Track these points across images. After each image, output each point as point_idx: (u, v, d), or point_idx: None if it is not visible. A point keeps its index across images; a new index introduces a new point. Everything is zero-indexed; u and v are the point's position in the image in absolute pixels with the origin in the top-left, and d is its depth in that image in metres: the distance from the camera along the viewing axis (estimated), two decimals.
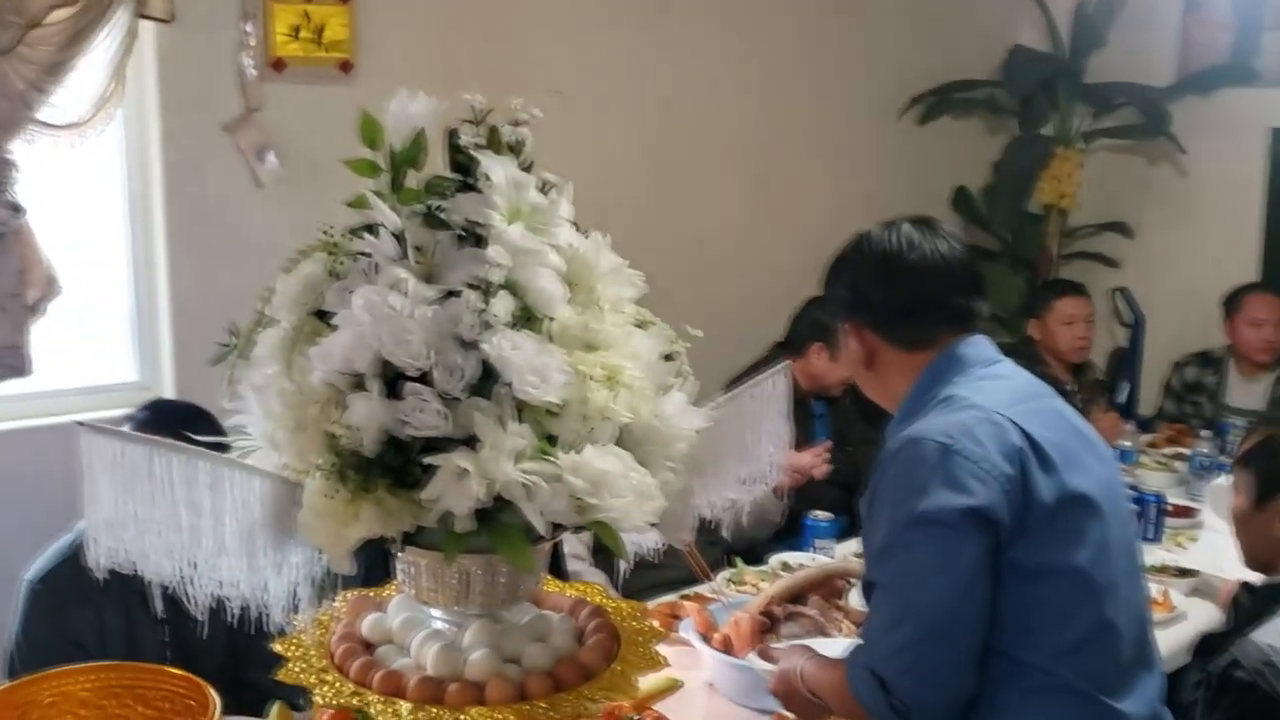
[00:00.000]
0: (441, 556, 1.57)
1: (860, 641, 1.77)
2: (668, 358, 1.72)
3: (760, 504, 3.27)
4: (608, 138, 4.20)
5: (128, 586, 2.24)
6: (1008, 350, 4.32)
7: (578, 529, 1.59)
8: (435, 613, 1.68)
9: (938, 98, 5.05)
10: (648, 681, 2.03)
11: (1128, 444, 3.56)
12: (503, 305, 1.46)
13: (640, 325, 1.71)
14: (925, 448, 1.68)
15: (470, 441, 1.44)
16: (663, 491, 1.61)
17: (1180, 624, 2.60)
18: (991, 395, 1.74)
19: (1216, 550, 2.92)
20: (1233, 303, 4.28)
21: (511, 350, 1.44)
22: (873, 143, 5.01)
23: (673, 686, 1.98)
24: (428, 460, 1.42)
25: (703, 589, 2.56)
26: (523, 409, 1.47)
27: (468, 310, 1.44)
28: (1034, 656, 1.68)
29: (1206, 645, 2.05)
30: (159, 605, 2.26)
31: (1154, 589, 2.68)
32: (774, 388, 1.87)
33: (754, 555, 2.98)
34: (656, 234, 4.30)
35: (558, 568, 2.74)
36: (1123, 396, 4.75)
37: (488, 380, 1.45)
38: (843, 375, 3.63)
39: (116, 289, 3.43)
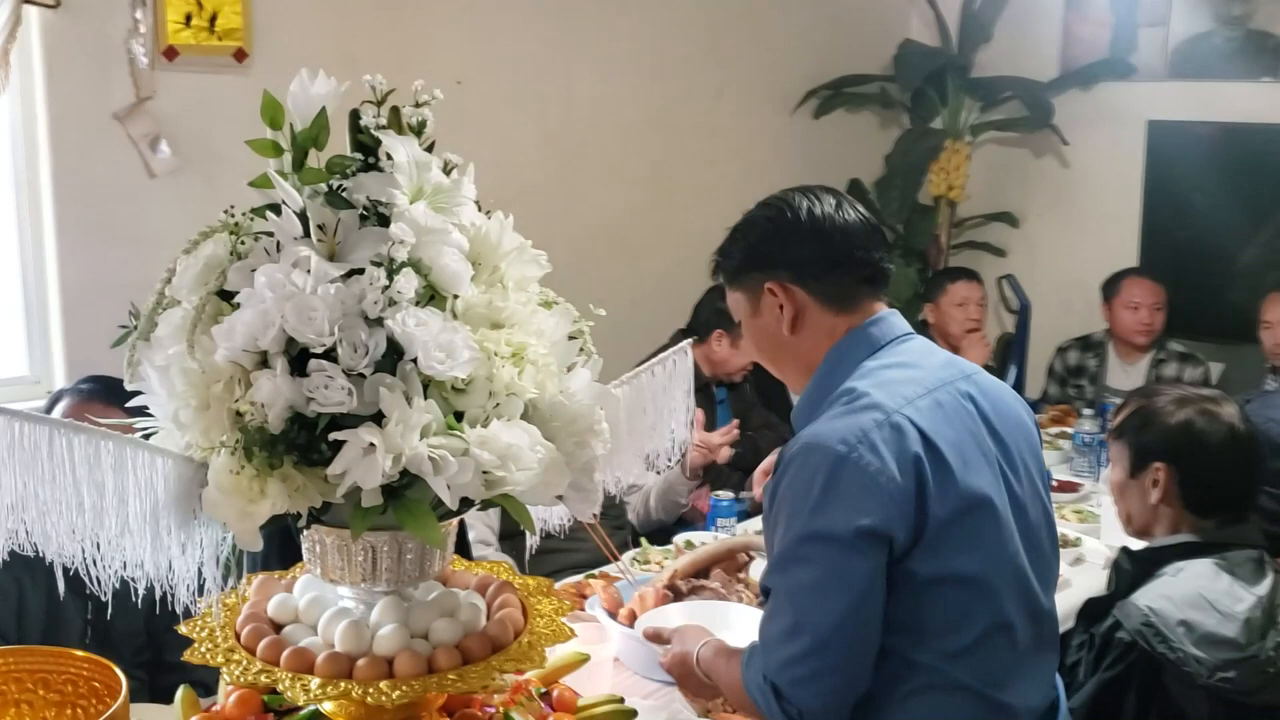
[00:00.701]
0: (348, 534, 1.59)
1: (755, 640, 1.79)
2: (572, 338, 1.75)
3: (669, 483, 3.33)
4: (508, 127, 4.21)
5: (51, 570, 2.22)
6: None
7: (484, 506, 1.62)
8: (343, 591, 1.69)
9: (832, 91, 5.15)
10: (555, 657, 2.06)
11: None
12: (407, 282, 1.48)
13: (545, 305, 1.74)
14: (822, 456, 1.65)
15: (377, 418, 1.45)
16: (570, 467, 1.64)
17: (1064, 590, 2.70)
18: (895, 389, 1.70)
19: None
20: (1111, 287, 4.44)
21: (417, 327, 1.46)
22: (769, 135, 5.09)
23: (580, 661, 2.01)
24: (334, 436, 1.43)
25: (609, 569, 2.60)
26: (429, 386, 1.49)
27: (372, 287, 1.45)
28: (925, 657, 1.69)
29: (1090, 608, 2.15)
30: (61, 587, 2.24)
31: None
32: (676, 366, 1.91)
33: (659, 538, 3.03)
34: (558, 223, 4.33)
35: (464, 554, 2.76)
36: (1010, 380, 4.90)
37: (394, 357, 1.47)
38: (744, 362, 3.70)
39: (5, 282, 3.35)
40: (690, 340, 2.01)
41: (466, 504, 1.60)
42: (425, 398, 1.48)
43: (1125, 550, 2.13)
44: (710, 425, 3.79)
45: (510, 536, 3.01)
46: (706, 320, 3.74)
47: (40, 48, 3.24)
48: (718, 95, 4.84)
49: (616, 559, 2.52)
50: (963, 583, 1.66)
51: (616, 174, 4.51)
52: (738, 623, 2.20)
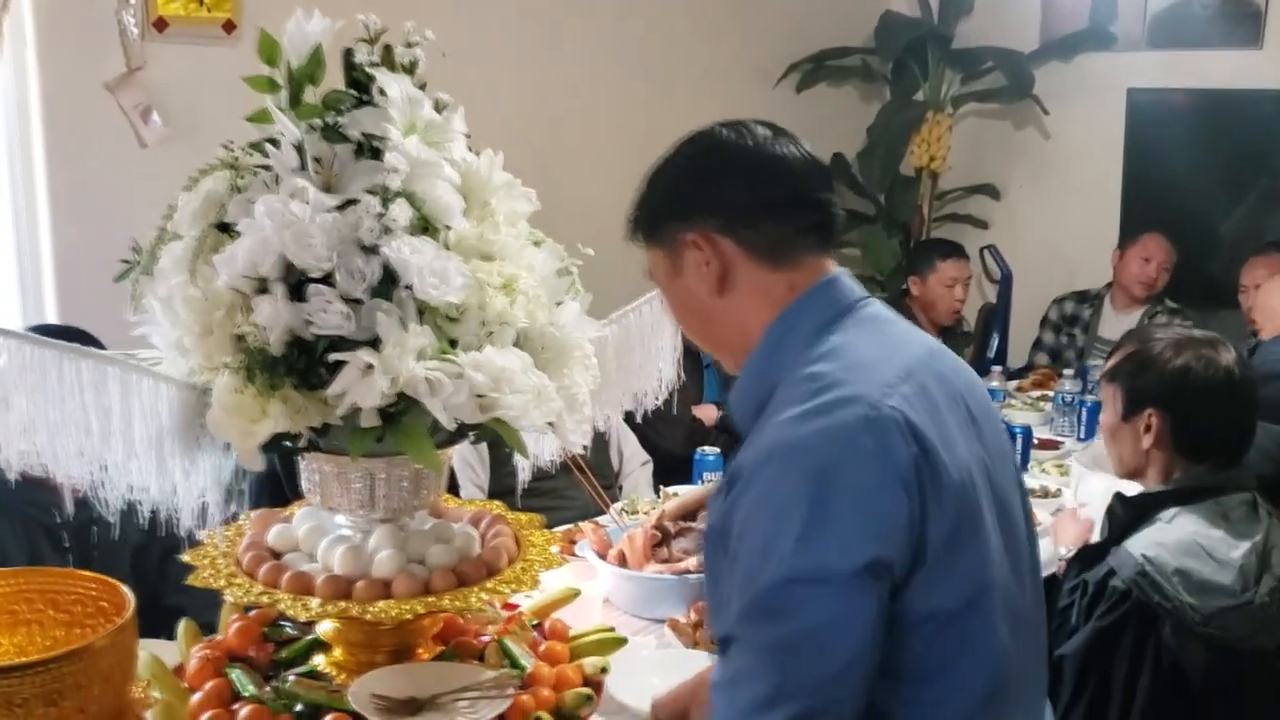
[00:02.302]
0: (347, 462, 1.64)
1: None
2: (562, 275, 1.81)
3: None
4: (492, 102, 4.24)
5: (32, 518, 2.27)
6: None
7: (478, 438, 1.67)
8: (341, 520, 1.74)
9: (813, 65, 5.20)
10: (548, 592, 2.11)
11: (995, 385, 3.74)
12: (401, 211, 1.53)
13: (535, 244, 1.79)
14: (803, 470, 1.26)
15: (374, 343, 1.51)
16: (562, 396, 1.70)
17: (1045, 537, 2.76)
18: (873, 373, 1.32)
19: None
20: (1130, 238, 4.54)
21: (412, 254, 1.51)
22: (751, 110, 5.01)
23: (571, 595, 2.06)
24: (333, 358, 1.48)
25: (600, 519, 2.65)
26: (424, 313, 1.55)
27: (367, 215, 1.50)
28: (904, 711, 1.34)
29: (1084, 554, 2.15)
30: (64, 534, 2.29)
31: None
32: (660, 308, 1.97)
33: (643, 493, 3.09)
34: (547, 200, 4.35)
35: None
36: (993, 350, 4.96)
37: (390, 284, 1.52)
38: None
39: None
40: None
41: (462, 433, 1.66)
42: (421, 324, 1.54)
43: (1119, 496, 2.14)
44: (699, 386, 3.84)
45: (501, 495, 3.05)
46: None
47: (32, 19, 3.26)
48: (702, 73, 4.88)
49: (607, 507, 2.57)
50: (954, 619, 1.32)
51: (599, 151, 4.54)
52: None
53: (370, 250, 1.51)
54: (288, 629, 1.87)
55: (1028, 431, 3.33)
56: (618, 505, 2.78)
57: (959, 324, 4.47)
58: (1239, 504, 2.02)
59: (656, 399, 2.02)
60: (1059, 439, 3.58)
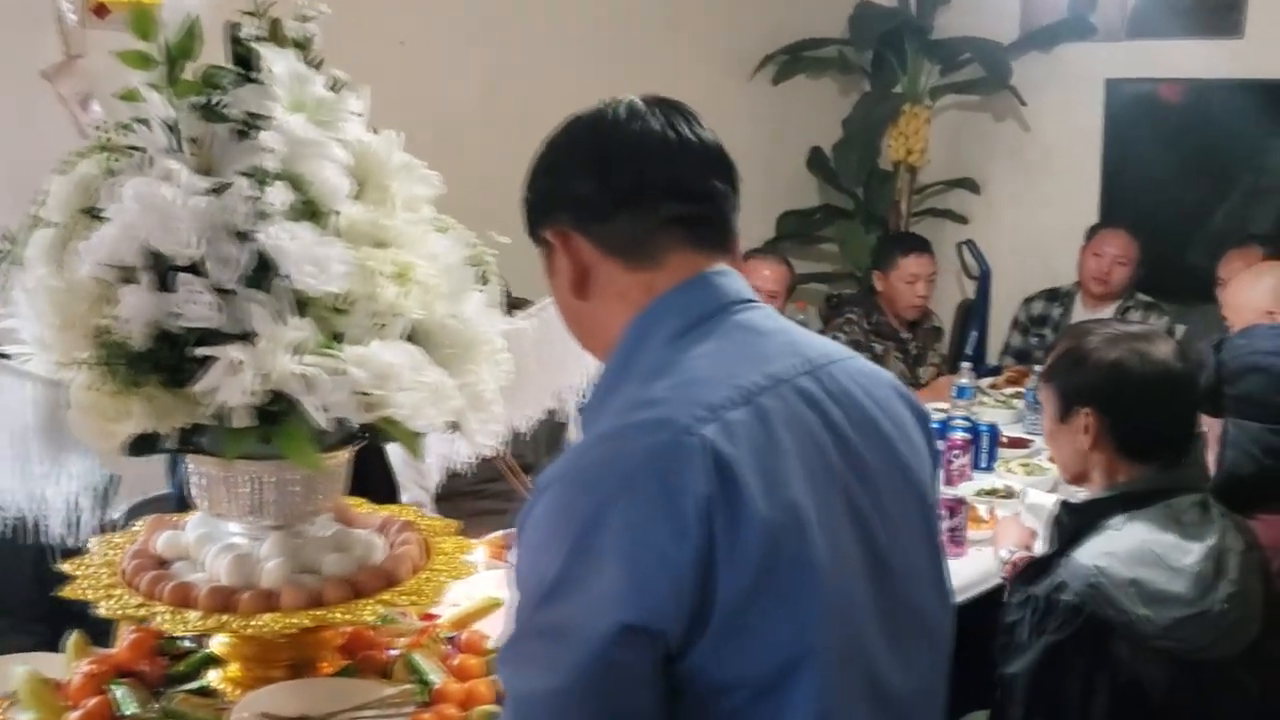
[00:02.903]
0: (232, 465, 1.53)
1: None
2: (474, 264, 1.70)
3: None
4: (453, 92, 4.14)
5: None
6: (847, 300, 4.38)
7: (371, 437, 1.56)
8: (233, 528, 1.64)
9: (790, 56, 5.09)
10: (470, 602, 2.01)
11: (965, 382, 3.62)
12: (279, 195, 1.42)
13: (441, 230, 1.69)
14: (571, 508, 1.09)
15: (249, 337, 1.40)
16: (466, 393, 1.59)
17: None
18: (699, 393, 1.13)
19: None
20: (1090, 233, 4.45)
21: (289, 240, 1.40)
22: (727, 103, 5.02)
23: (493, 605, 1.96)
24: (201, 353, 1.38)
25: None
26: (306, 305, 1.44)
27: (240, 199, 1.40)
28: None
29: (1031, 567, 2.03)
30: None
31: (981, 508, 2.75)
32: None
33: None
34: (504, 192, 4.24)
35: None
36: (970, 347, 4.86)
37: (265, 273, 1.42)
38: None
39: None
40: None
41: (358, 434, 1.56)
42: (303, 316, 1.43)
43: (1065, 504, 2.03)
44: None
45: (449, 498, 2.95)
46: None
47: None
48: (673, 63, 4.77)
49: None
50: (767, 689, 1.11)
51: None
52: None
53: (244, 236, 1.41)
54: (184, 642, 1.76)
55: (994, 430, 3.23)
56: None
57: (925, 319, 4.35)
58: (1190, 506, 1.91)
59: (582, 396, 1.91)
60: (1029, 437, 3.47)
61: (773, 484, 1.10)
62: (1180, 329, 4.33)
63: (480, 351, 1.62)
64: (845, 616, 1.15)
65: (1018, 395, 3.87)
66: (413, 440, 1.50)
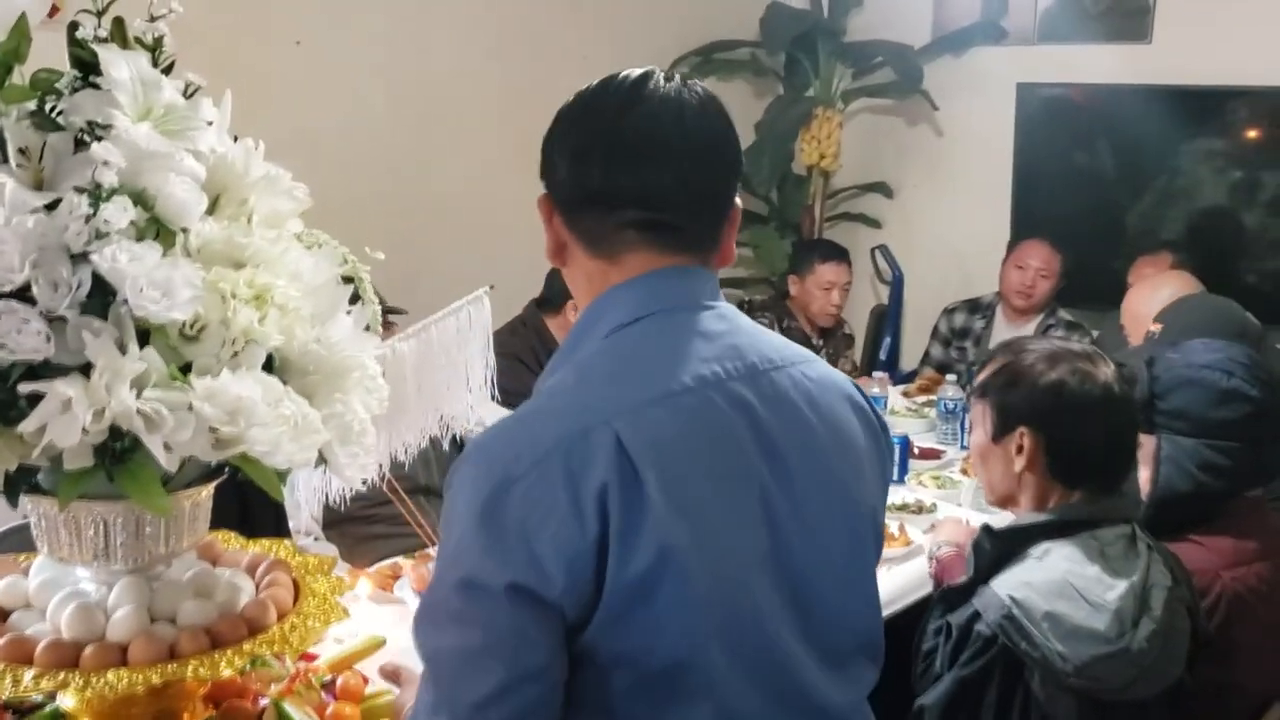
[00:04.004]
0: (75, 505, 1.39)
1: None
2: (347, 280, 1.58)
3: None
4: (356, 94, 4.00)
5: None
6: (759, 305, 4.30)
7: (228, 470, 1.43)
8: (81, 573, 1.50)
9: (701, 58, 5.01)
10: (351, 642, 1.88)
11: (876, 390, 3.56)
12: (118, 211, 1.29)
13: (311, 245, 1.56)
14: (483, 475, 1.15)
15: (86, 369, 1.27)
16: (332, 425, 1.47)
17: (917, 559, 2.59)
18: (620, 388, 1.19)
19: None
20: (1011, 245, 4.39)
21: (129, 262, 1.27)
22: None
23: (375, 645, 1.83)
24: (29, 389, 1.24)
25: (431, 551, 2.41)
26: (151, 333, 1.31)
27: (73, 216, 1.26)
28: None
29: (948, 595, 1.94)
30: None
31: (893, 526, 2.68)
32: (472, 318, 1.75)
33: None
34: (414, 196, 4.13)
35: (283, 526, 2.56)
36: (884, 352, 4.81)
37: (103, 298, 1.29)
38: None
39: None
40: (488, 288, 1.84)
41: (216, 472, 1.43)
42: (147, 345, 1.30)
43: (986, 529, 1.93)
44: None
45: (338, 524, 2.81)
46: (560, 289, 3.57)
47: None
48: (582, 61, 4.66)
49: (434, 541, 2.34)
50: (661, 675, 1.16)
51: (474, 142, 4.31)
52: None
53: (79, 258, 1.27)
54: (34, 696, 1.62)
55: (905, 441, 3.16)
56: None
57: (839, 327, 4.29)
58: (1116, 538, 1.83)
59: (468, 422, 1.80)
60: (940, 448, 3.41)
61: (674, 481, 1.15)
62: (1095, 334, 4.31)
63: (350, 379, 1.50)
64: (746, 621, 1.19)
65: (930, 404, 3.82)
66: (272, 479, 1.37)
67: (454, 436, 1.76)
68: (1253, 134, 4.46)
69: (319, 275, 1.51)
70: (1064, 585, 1.76)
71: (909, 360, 4.94)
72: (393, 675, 1.71)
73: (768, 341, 1.30)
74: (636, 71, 1.28)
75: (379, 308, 1.66)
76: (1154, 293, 2.94)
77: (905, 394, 4.07)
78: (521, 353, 3.39)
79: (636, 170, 1.23)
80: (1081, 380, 1.87)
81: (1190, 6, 4.42)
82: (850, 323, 4.57)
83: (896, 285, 4.99)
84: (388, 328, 2.97)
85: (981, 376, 2.00)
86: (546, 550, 1.11)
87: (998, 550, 1.86)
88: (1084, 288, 4.46)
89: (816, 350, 4.16)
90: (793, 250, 4.36)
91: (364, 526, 2.83)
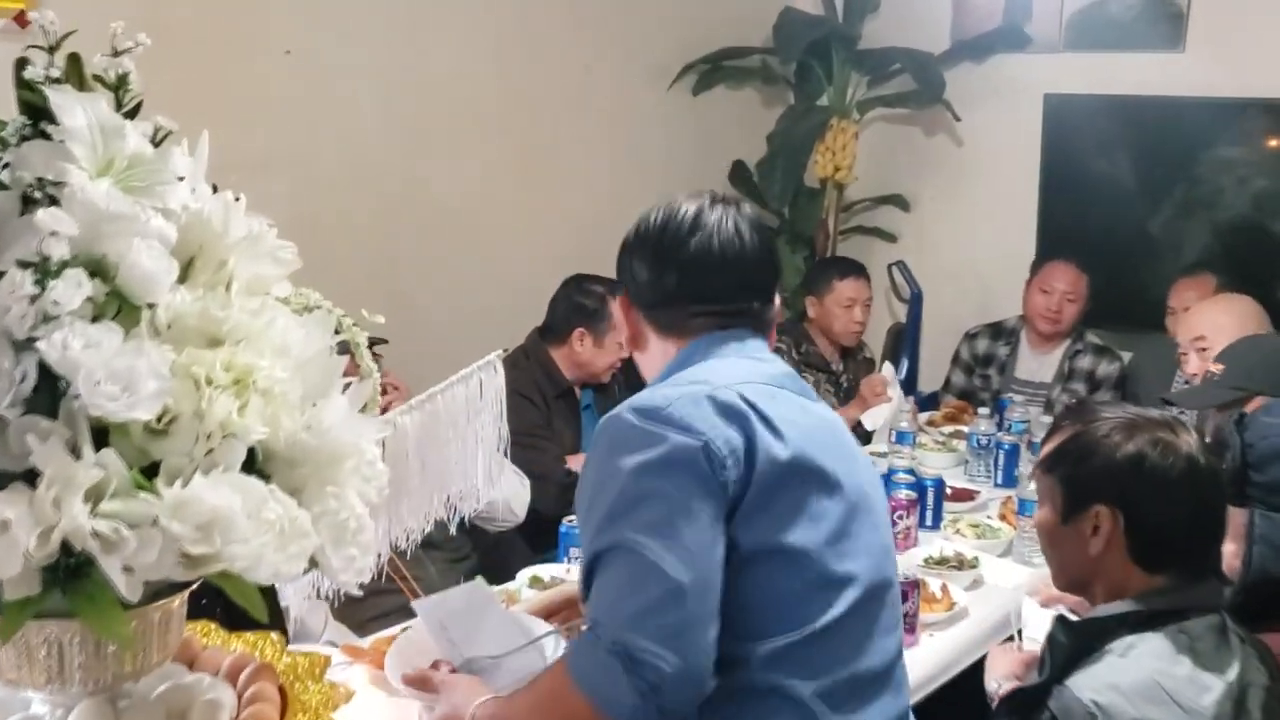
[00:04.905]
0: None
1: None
2: (345, 349, 1.38)
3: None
4: (349, 105, 3.79)
5: None
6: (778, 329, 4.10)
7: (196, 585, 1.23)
8: (35, 695, 1.29)
9: (710, 66, 4.81)
10: None
11: (905, 426, 3.37)
12: (70, 289, 1.08)
13: (301, 310, 1.36)
14: (632, 415, 1.51)
15: (31, 477, 1.06)
16: (325, 525, 1.26)
17: (961, 622, 2.39)
18: (725, 373, 1.57)
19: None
20: (1035, 267, 4.17)
21: (82, 349, 1.07)
22: (645, 114, 4.73)
23: None
24: None
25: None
26: (110, 430, 1.10)
27: (15, 296, 1.06)
28: (746, 652, 1.49)
29: (1020, 696, 1.73)
30: None
31: (933, 584, 2.48)
32: (484, 385, 1.55)
33: (504, 566, 2.64)
34: (408, 210, 3.92)
35: (276, 617, 2.34)
36: (902, 373, 4.61)
37: (54, 392, 1.08)
38: (610, 361, 3.35)
39: None
40: (501, 352, 1.64)
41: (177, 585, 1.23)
42: (106, 445, 1.10)
43: (1061, 620, 1.73)
44: (576, 433, 3.42)
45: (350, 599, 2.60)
46: (565, 317, 3.37)
47: None
48: (586, 70, 4.46)
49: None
50: (793, 559, 1.51)
51: (472, 155, 4.10)
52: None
53: (23, 345, 1.07)
54: None
55: (940, 484, 2.96)
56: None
57: (860, 350, 4.09)
58: (1207, 630, 1.63)
59: (478, 501, 1.59)
60: (974, 488, 3.21)
61: (790, 423, 1.54)
62: (1127, 358, 4.12)
63: (343, 468, 1.29)
64: (862, 544, 1.59)
65: (958, 435, 3.61)
66: (254, 597, 1.17)
67: (462, 520, 1.56)
68: None
69: (310, 347, 1.30)
70: (1153, 687, 1.56)
71: (927, 381, 4.74)
72: (419, 682, 1.68)
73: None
74: (693, 205, 1.68)
75: (379, 378, 1.46)
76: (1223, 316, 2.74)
77: (931, 423, 3.86)
78: (524, 387, 3.18)
79: (711, 277, 1.65)
80: (1164, 452, 1.66)
81: (1226, 14, 4.22)
82: (869, 347, 4.37)
83: (915, 303, 4.79)
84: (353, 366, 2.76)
85: (1047, 448, 1.79)
86: (710, 432, 1.50)
87: (1075, 645, 1.66)
88: (1114, 308, 4.27)
89: (837, 376, 3.96)
90: (806, 270, 4.15)
91: (375, 600, 2.63)
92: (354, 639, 2.39)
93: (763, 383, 1.57)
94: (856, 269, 4.00)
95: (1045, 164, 4.62)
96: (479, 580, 1.77)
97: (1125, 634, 1.63)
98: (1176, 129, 4.32)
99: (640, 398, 1.51)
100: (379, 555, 1.50)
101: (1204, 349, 2.93)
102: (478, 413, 1.54)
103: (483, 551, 2.77)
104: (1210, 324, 2.93)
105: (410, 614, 2.47)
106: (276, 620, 2.41)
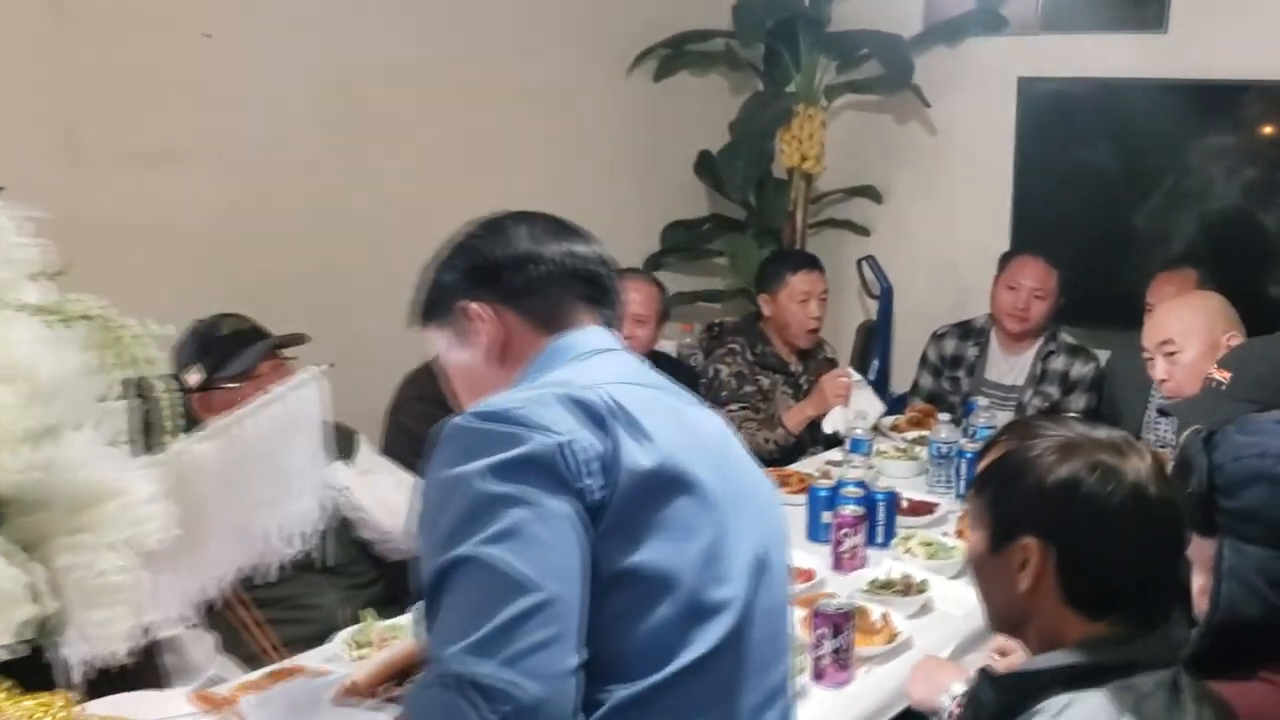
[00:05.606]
0: None
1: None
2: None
3: None
4: (276, 91, 3.55)
5: None
6: (729, 329, 3.87)
7: None
8: None
9: (671, 50, 4.58)
10: None
11: (859, 433, 3.13)
12: None
13: (66, 320, 1.13)
14: (476, 419, 1.27)
15: None
16: (73, 581, 1.05)
17: (904, 655, 2.17)
18: (590, 373, 1.37)
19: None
20: (1002, 263, 3.94)
21: None
22: (601, 102, 4.50)
23: None
24: None
25: (311, 658, 1.99)
26: None
27: None
28: (603, 697, 1.25)
29: None
30: None
31: (875, 611, 2.26)
32: (299, 406, 1.32)
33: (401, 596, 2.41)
34: (342, 203, 3.69)
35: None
36: (873, 373, 4.38)
37: None
38: None
39: None
40: (326, 366, 1.41)
41: None
42: None
43: (985, 674, 1.49)
44: None
45: (232, 607, 2.39)
46: None
47: None
48: (538, 54, 4.23)
49: (276, 655, 1.91)
50: (657, 581, 1.29)
51: (409, 145, 3.86)
52: None
53: None
54: None
55: (892, 497, 2.74)
56: (345, 634, 2.12)
57: (820, 349, 3.86)
58: (1157, 687, 1.38)
59: (305, 533, 1.37)
60: (932, 500, 2.98)
61: (660, 429, 1.33)
62: (1103, 356, 3.89)
63: (101, 512, 1.07)
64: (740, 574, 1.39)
65: (921, 441, 3.38)
66: None
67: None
68: (1274, 132, 4.04)
69: (61, 364, 1.08)
70: None
71: (899, 381, 4.51)
72: None
73: None
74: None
75: (177, 399, 1.23)
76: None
77: (895, 428, 3.63)
78: (443, 396, 2.94)
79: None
80: (1103, 477, 1.41)
81: None
82: (835, 343, 4.14)
83: (885, 299, 4.57)
84: (279, 366, 2.54)
85: (980, 466, 1.56)
86: (560, 435, 1.27)
87: (1001, 703, 1.42)
88: (1091, 305, 4.04)
89: (795, 377, 3.73)
90: (759, 269, 3.91)
91: (252, 610, 2.41)
92: (239, 674, 2.19)
93: (634, 383, 1.38)
94: (810, 261, 3.77)
95: (1019, 151, 4.38)
96: (301, 680, 1.55)
97: (1060, 691, 1.39)
98: (1158, 114, 4.08)
99: (485, 403, 1.29)
100: (211, 596, 1.28)
101: (1172, 353, 2.70)
102: (289, 437, 1.31)
103: (391, 578, 2.55)
104: (1178, 325, 2.70)
105: (306, 645, 2.28)
106: (147, 651, 2.20)
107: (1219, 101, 4.05)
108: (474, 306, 1.45)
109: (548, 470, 1.23)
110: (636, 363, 1.47)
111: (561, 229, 1.52)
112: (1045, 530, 1.43)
